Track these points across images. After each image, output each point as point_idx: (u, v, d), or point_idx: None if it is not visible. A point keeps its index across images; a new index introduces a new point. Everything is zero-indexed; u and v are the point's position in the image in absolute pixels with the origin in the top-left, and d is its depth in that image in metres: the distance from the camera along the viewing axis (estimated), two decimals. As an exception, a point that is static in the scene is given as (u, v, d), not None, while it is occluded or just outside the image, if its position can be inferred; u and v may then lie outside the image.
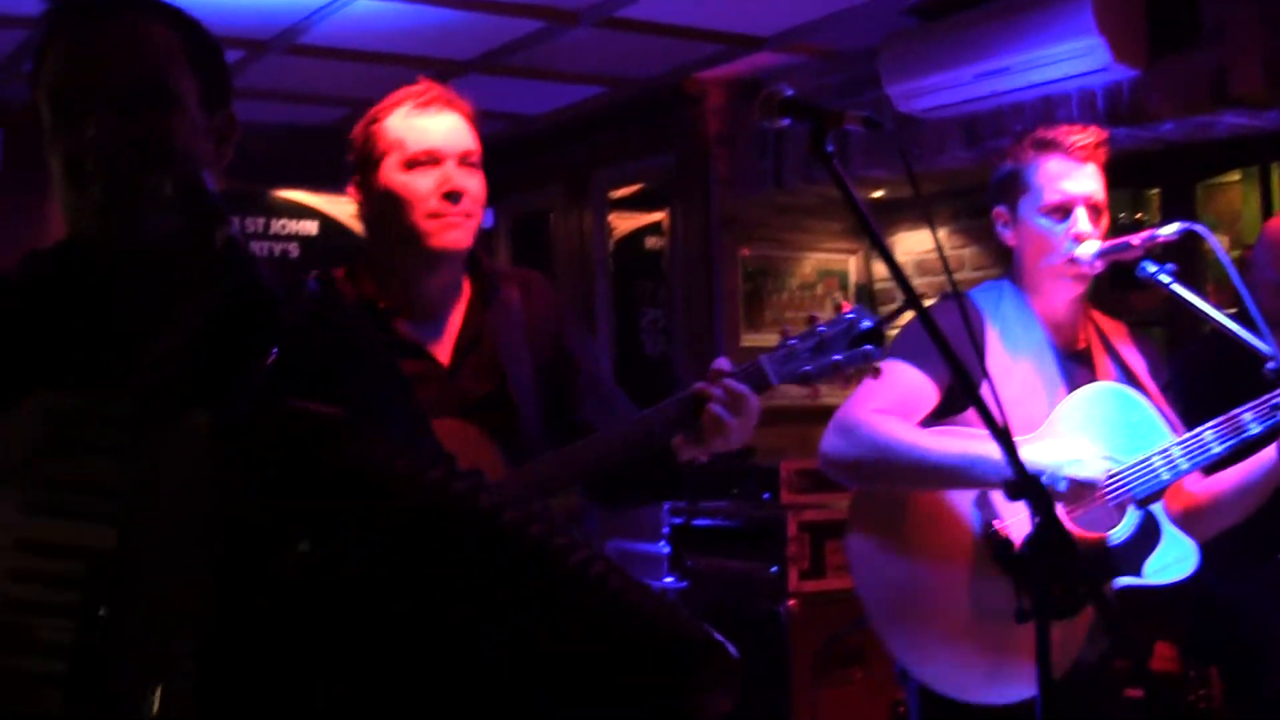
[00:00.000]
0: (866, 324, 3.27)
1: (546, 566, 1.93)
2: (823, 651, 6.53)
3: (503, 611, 1.90)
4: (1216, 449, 3.74)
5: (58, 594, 1.82)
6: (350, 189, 3.51)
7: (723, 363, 3.32)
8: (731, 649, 1.98)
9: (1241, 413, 3.74)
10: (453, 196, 3.36)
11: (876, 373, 3.33)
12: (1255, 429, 3.72)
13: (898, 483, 3.86)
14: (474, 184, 3.42)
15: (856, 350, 3.26)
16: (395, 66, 7.51)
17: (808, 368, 3.27)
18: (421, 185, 3.36)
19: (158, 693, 1.78)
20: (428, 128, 3.40)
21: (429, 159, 3.38)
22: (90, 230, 2.19)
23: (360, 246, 3.64)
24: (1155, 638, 5.84)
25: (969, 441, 3.71)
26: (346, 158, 3.52)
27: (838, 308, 3.33)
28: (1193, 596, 3.85)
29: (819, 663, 6.56)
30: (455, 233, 3.39)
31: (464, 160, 3.41)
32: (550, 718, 1.91)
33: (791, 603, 6.60)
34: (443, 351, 3.45)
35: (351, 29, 6.85)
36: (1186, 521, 3.88)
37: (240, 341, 2.02)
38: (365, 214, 3.51)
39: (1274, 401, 3.68)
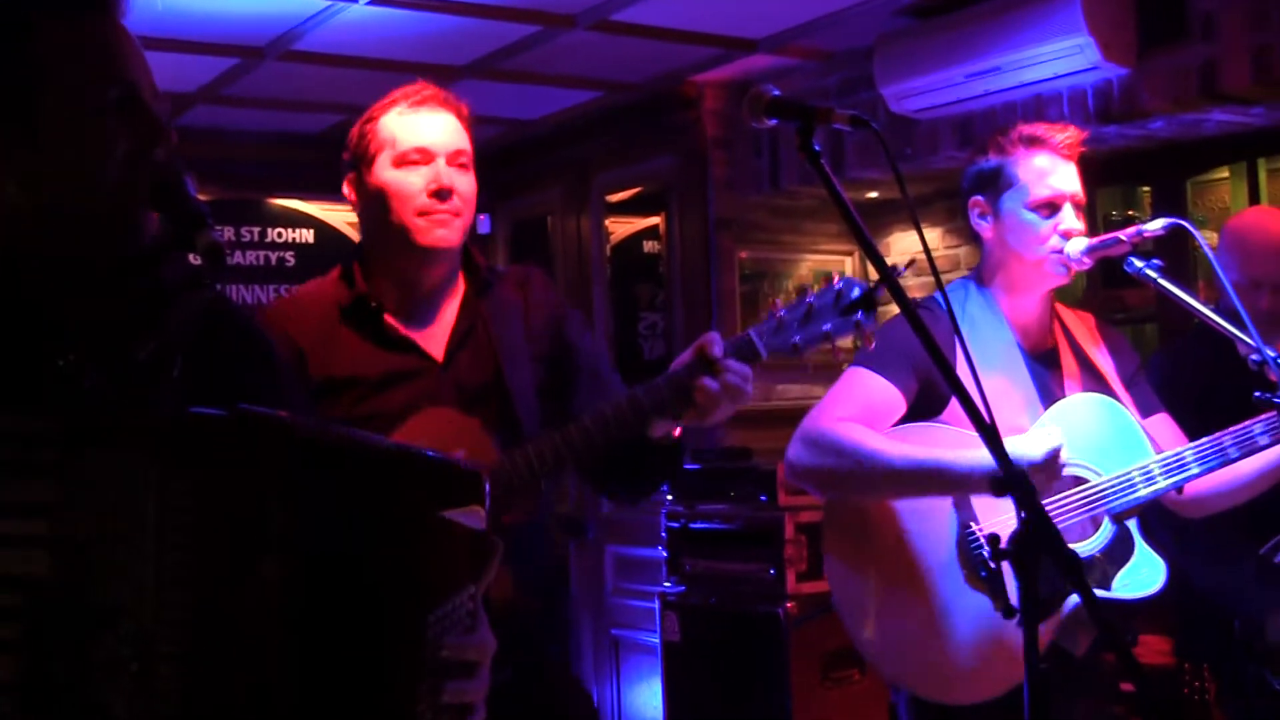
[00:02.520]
0: (856, 291, 3.25)
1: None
2: (817, 650, 6.56)
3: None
4: (1195, 470, 3.77)
5: None
6: (346, 187, 3.54)
7: (714, 338, 3.30)
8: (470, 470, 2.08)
9: (1222, 436, 3.77)
10: (441, 194, 3.40)
11: (870, 339, 3.33)
12: (1233, 454, 3.76)
13: (865, 491, 3.86)
14: (464, 182, 3.46)
15: (847, 318, 3.25)
16: (390, 73, 7.50)
17: (796, 338, 3.27)
18: (411, 182, 3.40)
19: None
20: (419, 125, 3.44)
21: (419, 157, 3.41)
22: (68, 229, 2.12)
23: (358, 246, 3.66)
24: (1141, 631, 5.87)
25: (936, 448, 3.74)
26: (342, 156, 3.55)
27: (828, 278, 3.32)
28: (1178, 593, 3.88)
29: (818, 663, 6.60)
30: (443, 230, 3.42)
31: (455, 159, 3.45)
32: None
33: (790, 605, 6.61)
34: (436, 346, 3.48)
35: (345, 35, 6.86)
36: (1182, 502, 3.94)
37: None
38: (360, 212, 3.54)
39: (1251, 430, 3.71)
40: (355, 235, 9.34)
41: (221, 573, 1.80)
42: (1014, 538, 2.53)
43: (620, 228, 9.10)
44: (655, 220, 8.81)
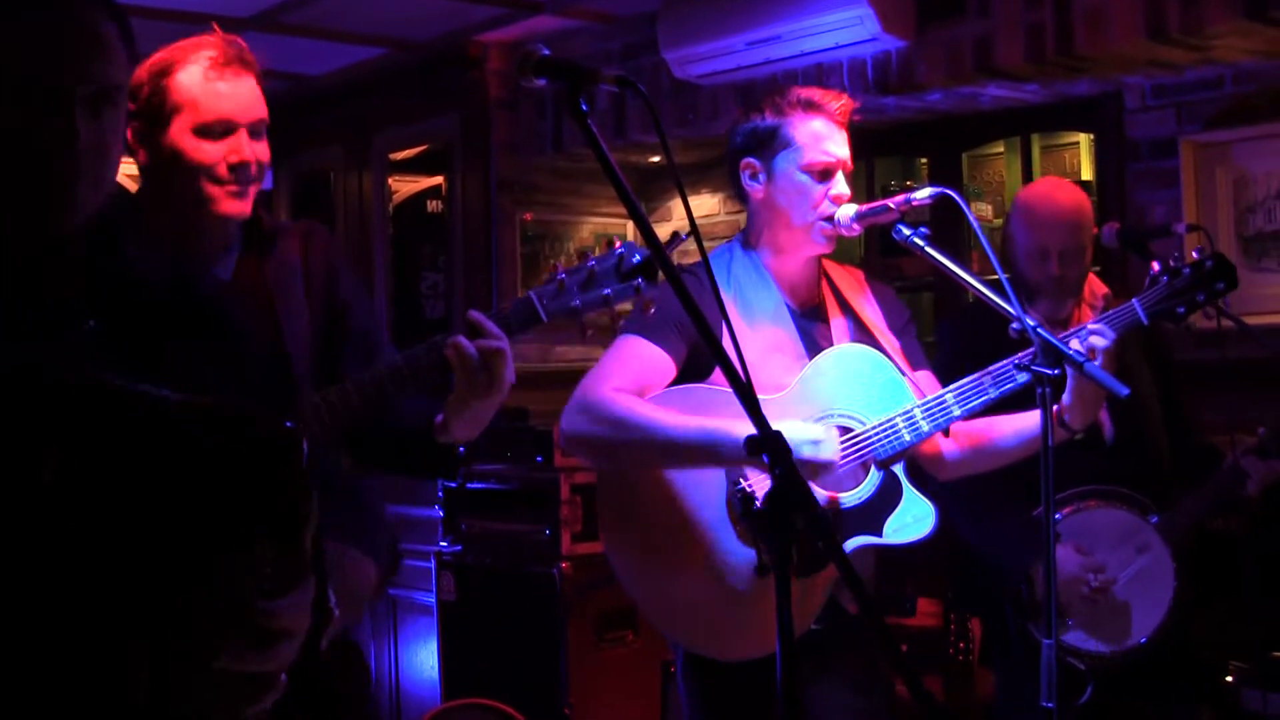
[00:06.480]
0: (637, 258, 3.32)
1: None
2: (592, 611, 6.61)
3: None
4: (957, 412, 3.85)
5: None
6: (129, 136, 3.39)
7: (476, 314, 3.29)
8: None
9: (982, 376, 3.85)
10: (242, 167, 3.32)
11: (649, 305, 3.40)
12: (993, 393, 3.84)
13: (639, 461, 3.87)
14: (262, 150, 3.38)
15: (627, 284, 3.30)
16: (173, 23, 7.35)
17: (576, 302, 3.29)
18: (212, 152, 3.30)
19: None
20: (222, 94, 3.33)
21: (221, 127, 3.32)
22: None
23: (130, 197, 3.53)
24: (918, 594, 5.98)
25: (710, 418, 3.74)
26: (128, 104, 3.42)
27: (610, 243, 3.36)
28: (950, 551, 3.94)
29: (592, 624, 6.64)
30: (240, 202, 3.35)
31: (255, 130, 3.37)
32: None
33: (564, 565, 6.64)
34: None
35: (125, -16, 6.73)
36: (949, 461, 4.04)
37: None
38: (144, 166, 3.43)
39: (1010, 367, 3.80)
40: (133, 186, 9.24)
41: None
42: (767, 496, 2.56)
43: (403, 186, 9.05)
44: (438, 180, 8.78)
